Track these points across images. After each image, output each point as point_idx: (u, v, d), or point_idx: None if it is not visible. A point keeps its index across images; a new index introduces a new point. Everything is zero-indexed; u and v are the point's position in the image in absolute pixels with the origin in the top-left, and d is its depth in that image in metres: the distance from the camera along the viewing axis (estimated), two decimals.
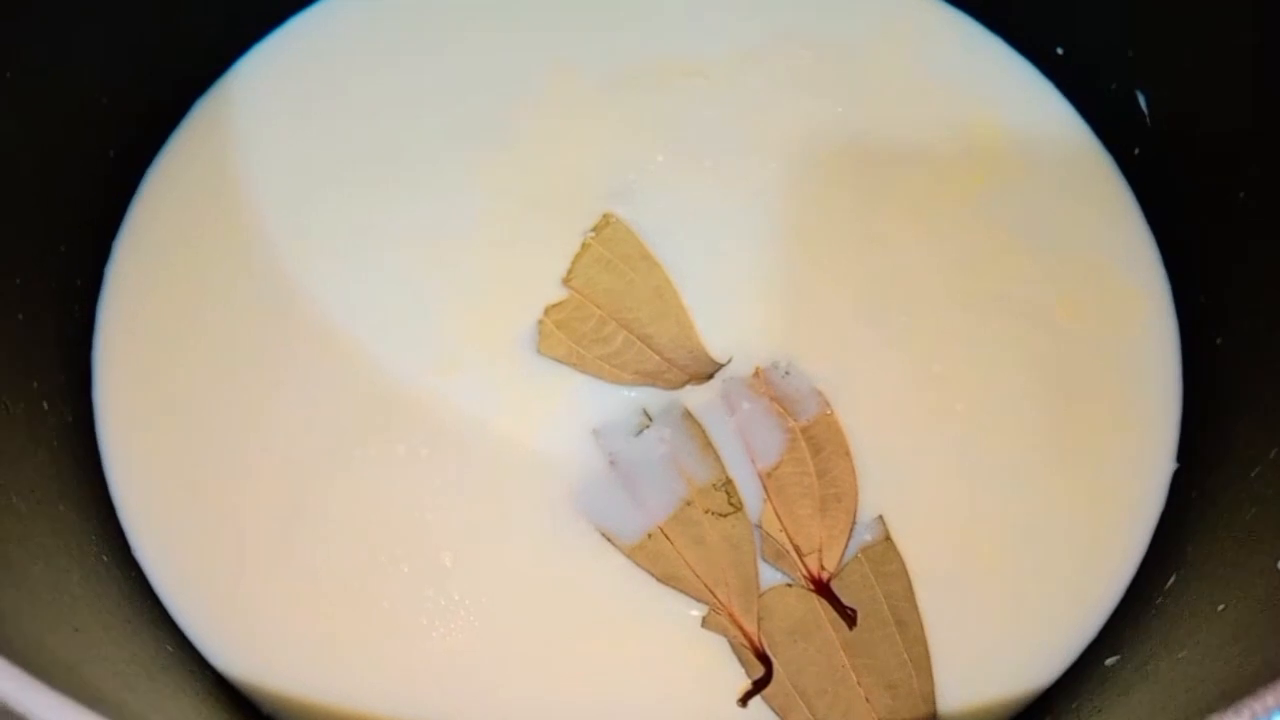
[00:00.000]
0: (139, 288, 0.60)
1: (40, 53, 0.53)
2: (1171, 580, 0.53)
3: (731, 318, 0.59)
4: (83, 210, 0.59)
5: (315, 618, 0.53)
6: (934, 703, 0.52)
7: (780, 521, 0.54)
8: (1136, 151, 0.63)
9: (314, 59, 0.64)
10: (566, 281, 0.59)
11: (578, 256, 0.59)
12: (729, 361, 0.57)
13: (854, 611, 0.53)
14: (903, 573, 0.54)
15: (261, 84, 0.63)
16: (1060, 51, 0.65)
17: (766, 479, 0.55)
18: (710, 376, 0.57)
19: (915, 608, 0.53)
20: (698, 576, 0.53)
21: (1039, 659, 0.54)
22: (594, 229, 0.60)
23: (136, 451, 0.56)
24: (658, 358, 0.57)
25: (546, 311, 0.58)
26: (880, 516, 0.55)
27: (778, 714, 0.52)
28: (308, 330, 0.58)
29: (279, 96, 0.63)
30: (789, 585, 0.54)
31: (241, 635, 0.53)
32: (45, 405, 0.53)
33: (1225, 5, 0.54)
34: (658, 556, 0.54)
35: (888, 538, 0.54)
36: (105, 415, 0.56)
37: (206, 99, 0.63)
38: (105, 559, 0.51)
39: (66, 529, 0.50)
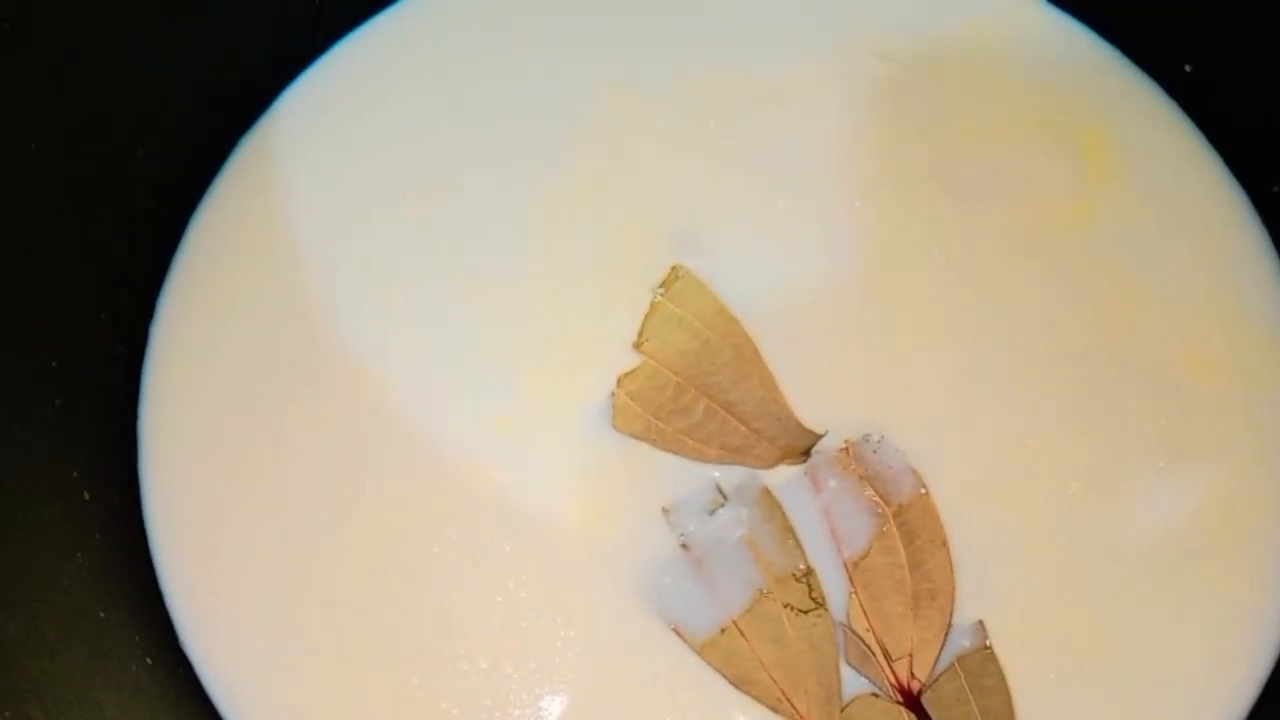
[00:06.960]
0: (187, 347, 0.56)
1: (69, 110, 0.50)
2: None
3: (816, 381, 0.54)
4: (124, 271, 0.55)
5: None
6: None
7: (868, 620, 0.50)
8: (1276, 190, 0.55)
9: (358, 90, 0.59)
10: (638, 345, 0.54)
11: (647, 316, 0.54)
12: (826, 434, 0.52)
13: None
14: (1003, 688, 0.49)
15: (304, 120, 0.59)
16: (1188, 69, 0.57)
17: (853, 569, 0.51)
18: (806, 453, 0.52)
19: None
20: (774, 681, 0.49)
21: None
22: (663, 284, 0.55)
23: (188, 535, 0.53)
24: (744, 429, 0.52)
25: (619, 382, 0.53)
26: (980, 622, 0.50)
27: None
28: (370, 399, 0.53)
29: (323, 132, 0.58)
30: (875, 695, 0.49)
31: None
32: (86, 495, 0.50)
33: None
34: (731, 655, 0.50)
35: (988, 646, 0.49)
36: (153, 497, 0.54)
37: (249, 140, 0.59)
38: (149, 661, 0.49)
39: (111, 636, 0.47)
